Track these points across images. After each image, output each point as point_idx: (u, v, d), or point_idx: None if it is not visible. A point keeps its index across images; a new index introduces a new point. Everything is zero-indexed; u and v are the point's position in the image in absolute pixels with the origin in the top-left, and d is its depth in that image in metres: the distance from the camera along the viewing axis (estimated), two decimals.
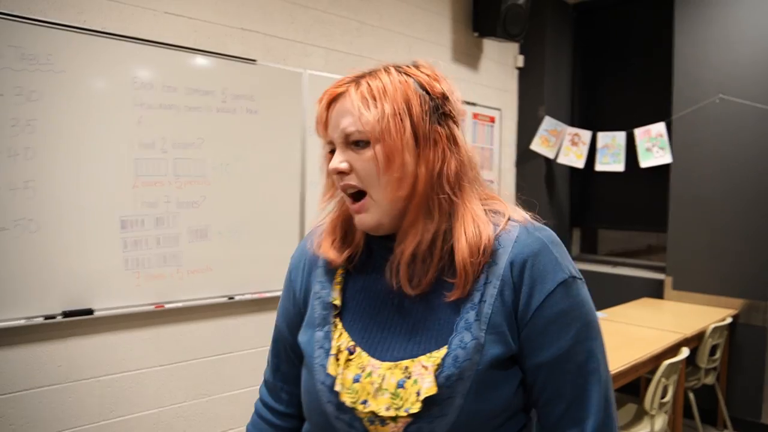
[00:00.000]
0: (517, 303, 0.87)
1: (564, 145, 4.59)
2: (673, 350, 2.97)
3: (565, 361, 0.86)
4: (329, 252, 0.98)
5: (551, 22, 4.81)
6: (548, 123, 4.61)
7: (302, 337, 1.00)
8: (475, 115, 4.41)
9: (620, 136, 4.37)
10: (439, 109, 0.91)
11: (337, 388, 0.89)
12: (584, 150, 4.53)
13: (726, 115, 3.90)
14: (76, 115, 2.49)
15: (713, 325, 3.36)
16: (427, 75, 0.94)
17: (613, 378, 2.22)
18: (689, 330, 3.27)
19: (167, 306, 2.80)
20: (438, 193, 0.89)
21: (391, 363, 0.88)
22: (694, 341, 3.36)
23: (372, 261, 0.98)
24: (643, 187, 4.54)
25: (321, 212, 1.04)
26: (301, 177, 3.30)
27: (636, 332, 3.22)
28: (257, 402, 1.19)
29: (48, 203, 2.43)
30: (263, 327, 3.23)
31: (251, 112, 3.07)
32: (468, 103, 4.36)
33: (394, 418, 0.85)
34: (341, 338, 0.93)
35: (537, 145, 4.61)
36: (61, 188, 2.46)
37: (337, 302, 0.97)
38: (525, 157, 4.84)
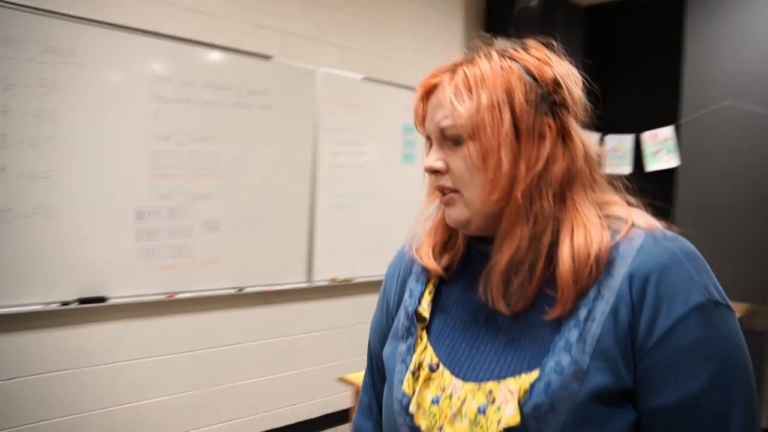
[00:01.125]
0: (635, 326, 0.69)
1: None
2: None
3: (695, 410, 0.66)
4: (426, 258, 0.89)
5: (562, 23, 4.84)
6: None
7: (386, 349, 0.91)
8: None
9: (627, 140, 4.41)
10: (550, 98, 0.78)
11: (412, 408, 0.79)
12: None
13: (735, 120, 3.93)
14: (96, 108, 2.55)
15: None
16: (537, 58, 0.81)
17: None
18: None
19: (178, 296, 2.86)
20: (541, 195, 0.76)
21: (474, 384, 0.76)
22: None
23: (470, 269, 0.87)
24: (649, 191, 4.57)
25: (423, 214, 0.94)
26: (311, 173, 3.36)
27: None
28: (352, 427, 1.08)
29: (67, 192, 2.49)
30: (271, 319, 3.29)
31: (266, 108, 3.13)
32: None
33: None
34: (425, 353, 0.83)
35: None
36: (80, 178, 2.53)
37: (426, 313, 0.86)
38: None
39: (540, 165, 0.75)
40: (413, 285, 0.91)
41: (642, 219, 0.77)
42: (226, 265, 3.03)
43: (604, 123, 4.87)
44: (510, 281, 0.77)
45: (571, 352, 0.69)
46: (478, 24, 4.40)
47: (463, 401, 0.75)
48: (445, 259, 0.88)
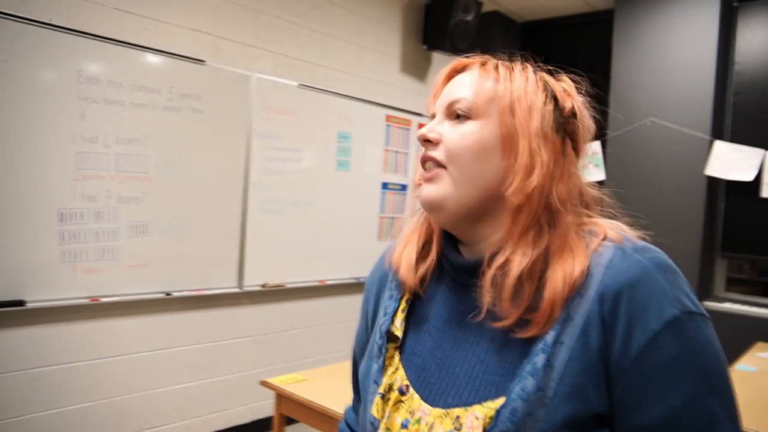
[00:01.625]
0: (609, 347, 0.67)
1: None
2: None
3: (678, 426, 0.65)
4: (405, 270, 0.85)
5: (499, 38, 4.99)
6: None
7: (362, 367, 0.89)
8: (421, 126, 4.53)
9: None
10: (565, 126, 0.79)
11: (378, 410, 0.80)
12: None
13: (656, 137, 4.13)
14: (18, 106, 2.50)
15: None
16: (563, 88, 0.82)
17: None
18: None
19: (103, 300, 2.81)
20: (549, 203, 0.75)
21: (442, 410, 0.74)
22: None
23: (442, 283, 0.85)
24: None
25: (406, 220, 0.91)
26: (244, 178, 3.36)
27: None
28: (341, 423, 1.06)
29: None
30: (200, 324, 3.27)
31: (197, 112, 3.11)
32: (416, 113, 4.49)
33: None
34: (395, 374, 0.81)
35: None
36: (0, 177, 2.47)
37: (399, 332, 0.84)
38: None
39: (551, 173, 0.75)
40: (387, 302, 0.88)
41: (613, 231, 0.75)
42: (154, 269, 2.99)
43: None
44: (519, 290, 0.72)
45: (536, 377, 0.67)
46: (416, 36, 4.49)
47: (431, 427, 0.74)
48: (421, 271, 0.85)
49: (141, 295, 2.95)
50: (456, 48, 4.31)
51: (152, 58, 2.95)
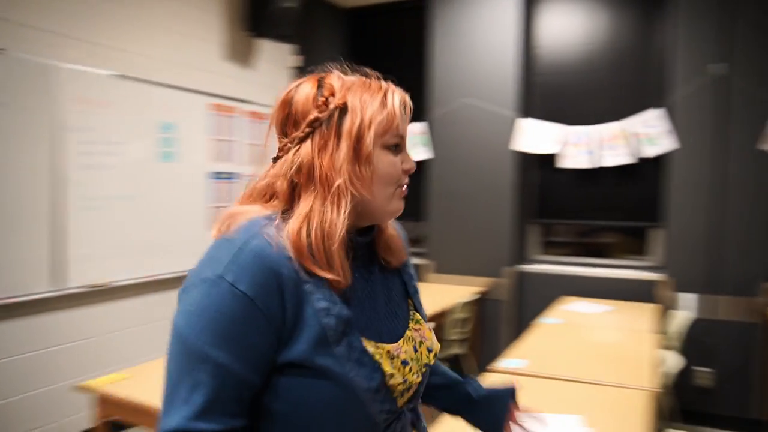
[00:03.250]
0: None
1: None
2: None
3: None
4: (347, 271, 0.92)
5: (324, 24, 5.09)
6: None
7: (322, 360, 0.87)
8: (249, 113, 4.52)
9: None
10: None
11: (398, 379, 0.94)
12: None
13: (472, 116, 4.46)
14: None
15: (459, 301, 3.86)
16: None
17: None
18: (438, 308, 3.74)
19: None
20: None
21: (402, 339, 1.00)
22: (444, 317, 3.83)
23: (350, 259, 0.96)
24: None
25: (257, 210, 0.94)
26: (55, 175, 3.16)
27: None
28: None
29: None
30: (13, 334, 3.05)
31: None
32: (242, 101, 4.46)
33: (419, 380, 1.01)
34: (368, 343, 0.93)
35: None
36: None
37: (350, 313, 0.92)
38: None
39: None
40: (320, 291, 0.89)
41: None
42: None
43: None
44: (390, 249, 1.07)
45: (417, 291, 1.13)
46: (238, 22, 4.44)
47: (407, 352, 0.98)
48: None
49: None
50: (281, 35, 4.34)
51: None
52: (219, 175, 4.28)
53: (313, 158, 0.92)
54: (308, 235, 0.88)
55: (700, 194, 3.92)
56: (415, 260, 4.82)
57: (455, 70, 4.55)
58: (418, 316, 1.07)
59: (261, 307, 0.84)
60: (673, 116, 3.97)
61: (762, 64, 3.73)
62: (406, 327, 1.03)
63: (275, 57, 4.87)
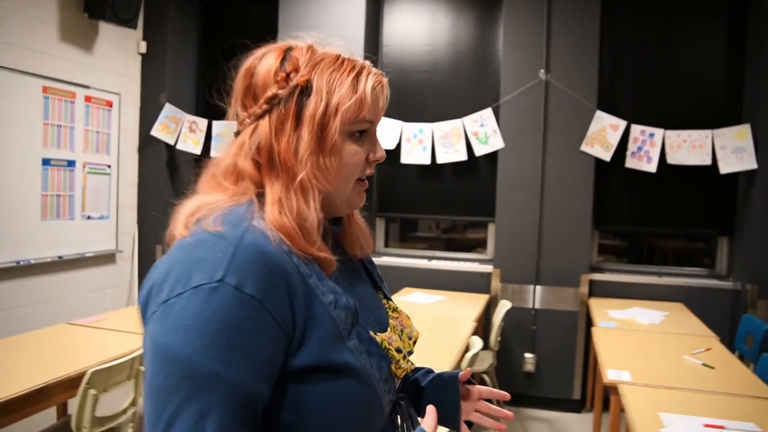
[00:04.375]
0: None
1: (183, 131, 4.81)
2: None
3: None
4: (327, 251, 0.85)
5: (174, 11, 4.96)
6: (168, 110, 4.76)
7: (342, 356, 0.79)
8: (88, 98, 4.34)
9: (232, 125, 4.75)
10: None
11: (401, 367, 0.92)
12: (201, 137, 4.82)
13: None
14: None
15: None
16: None
17: None
18: None
19: None
20: None
21: (389, 328, 0.96)
22: None
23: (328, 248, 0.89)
24: None
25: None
26: None
27: None
28: None
29: None
30: None
31: None
32: (81, 85, 4.27)
33: (412, 367, 0.99)
34: (375, 333, 0.89)
35: (157, 131, 4.74)
36: None
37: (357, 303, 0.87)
38: (147, 143, 4.91)
39: None
40: (322, 283, 0.81)
41: None
42: None
43: (216, 109, 5.14)
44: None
45: (383, 279, 1.09)
46: (77, 3, 4.23)
47: (396, 341, 0.94)
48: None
49: None
50: (120, 18, 4.20)
51: None
52: (54, 163, 4.08)
53: (271, 139, 0.83)
54: (287, 218, 0.80)
55: (523, 192, 4.24)
56: None
57: None
58: (393, 304, 1.03)
59: (271, 310, 0.72)
60: (501, 117, 4.26)
61: (578, 73, 4.10)
62: (387, 316, 0.99)
63: (120, 42, 4.70)
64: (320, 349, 0.76)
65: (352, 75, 0.85)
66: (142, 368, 2.61)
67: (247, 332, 0.70)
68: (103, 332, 2.92)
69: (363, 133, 0.87)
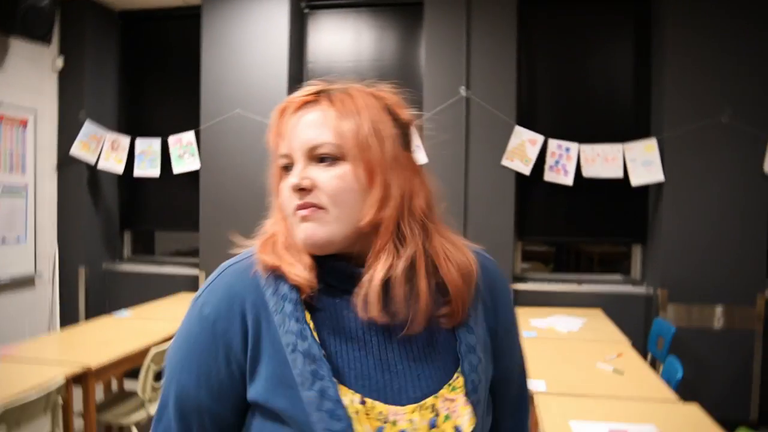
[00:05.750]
0: (491, 322, 0.91)
1: (104, 150, 4.69)
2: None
3: (520, 370, 0.99)
4: (305, 279, 0.80)
5: (92, 26, 4.84)
6: (89, 127, 4.64)
7: (280, 402, 0.77)
8: (0, 117, 4.18)
9: (156, 143, 4.69)
10: (406, 136, 0.88)
11: None
12: (124, 155, 4.71)
13: (243, 127, 4.52)
14: None
15: None
16: (394, 100, 0.89)
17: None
18: None
19: None
20: (410, 218, 0.83)
21: (414, 405, 0.79)
22: None
23: (329, 292, 0.84)
24: (180, 191, 4.94)
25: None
26: None
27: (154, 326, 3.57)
28: None
29: None
30: None
31: None
32: None
33: None
34: (346, 393, 0.78)
35: (77, 150, 4.60)
36: None
37: (323, 352, 0.79)
38: (67, 162, 4.76)
39: (408, 190, 0.83)
40: (290, 323, 0.79)
41: (463, 240, 0.93)
42: None
43: (138, 126, 5.06)
44: (390, 296, 0.80)
45: (475, 352, 0.85)
46: None
47: (412, 422, 0.78)
48: (314, 276, 0.82)
49: None
50: (31, 34, 4.08)
51: None
52: None
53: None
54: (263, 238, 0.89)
55: (447, 204, 4.32)
56: (191, 271, 4.79)
57: (227, 81, 4.56)
58: (458, 382, 0.83)
59: (220, 332, 0.80)
60: (424, 133, 4.34)
61: (497, 89, 4.24)
62: (431, 392, 0.81)
63: (34, 58, 4.55)
64: (264, 387, 0.78)
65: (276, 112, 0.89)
66: (59, 400, 2.54)
67: (199, 348, 0.81)
68: (17, 365, 2.79)
69: (287, 167, 0.86)
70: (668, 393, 2.48)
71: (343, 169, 0.80)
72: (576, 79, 4.43)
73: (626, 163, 4.08)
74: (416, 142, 0.91)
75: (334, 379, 0.77)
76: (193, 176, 4.69)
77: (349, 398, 0.77)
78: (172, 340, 0.87)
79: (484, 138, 4.29)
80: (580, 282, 4.39)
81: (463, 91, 4.26)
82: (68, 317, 4.77)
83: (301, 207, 0.81)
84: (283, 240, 0.85)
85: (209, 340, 0.80)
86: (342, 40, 4.73)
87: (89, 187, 4.84)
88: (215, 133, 4.58)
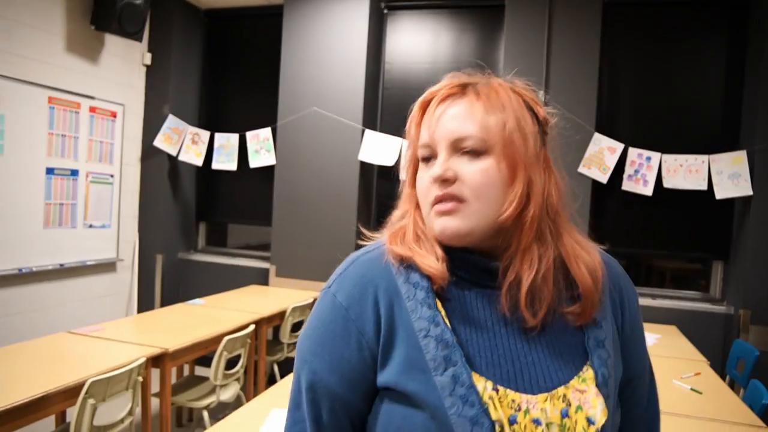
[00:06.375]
0: (617, 322, 0.90)
1: (185, 143, 4.86)
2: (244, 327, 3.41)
3: (647, 372, 0.96)
4: (437, 270, 0.82)
5: (180, 24, 5.03)
6: (171, 121, 4.83)
7: (413, 386, 0.78)
8: (93, 109, 4.40)
9: (234, 138, 4.82)
10: (543, 134, 0.88)
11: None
12: (203, 149, 4.88)
13: (319, 125, 4.59)
14: None
15: (293, 305, 3.96)
16: (532, 97, 0.89)
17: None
18: (269, 311, 3.83)
19: None
20: (547, 216, 0.85)
21: (546, 393, 0.79)
22: (278, 319, 3.92)
23: (464, 284, 0.85)
24: (255, 186, 5.06)
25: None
26: None
27: (226, 315, 3.67)
28: None
29: None
30: None
31: None
32: (86, 96, 4.33)
33: None
34: (479, 379, 0.78)
35: (160, 142, 4.79)
36: None
37: (455, 338, 0.80)
38: (150, 154, 4.97)
39: (546, 188, 0.84)
40: (422, 309, 0.81)
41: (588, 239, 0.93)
42: None
43: (217, 121, 5.22)
44: (534, 295, 0.82)
45: (604, 347, 0.84)
46: (83, 15, 4.30)
47: (545, 411, 0.77)
48: (446, 269, 0.83)
49: None
50: (125, 31, 4.27)
51: None
52: (58, 172, 4.13)
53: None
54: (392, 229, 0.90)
55: None
56: (262, 264, 4.91)
57: (305, 79, 4.66)
58: (588, 374, 0.82)
59: (354, 318, 0.82)
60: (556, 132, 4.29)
61: (577, 95, 4.14)
62: (561, 382, 0.81)
63: (125, 54, 4.77)
64: (397, 371, 0.79)
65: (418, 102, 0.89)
66: (139, 378, 2.65)
67: (333, 335, 0.82)
68: (103, 342, 2.95)
69: (427, 159, 0.86)
70: (753, 417, 2.36)
71: (487, 163, 0.80)
72: (660, 86, 4.27)
73: (711, 176, 3.92)
74: (551, 135, 0.91)
75: (467, 365, 0.78)
76: (268, 172, 4.80)
77: (482, 385, 0.77)
78: (302, 329, 0.88)
79: (561, 144, 4.19)
80: (654, 297, 4.24)
81: (542, 95, 4.17)
82: (145, 302, 4.99)
83: (442, 197, 0.81)
84: (413, 231, 0.87)
85: (342, 326, 0.82)
86: (420, 41, 4.73)
87: (169, 178, 5.04)
88: (291, 130, 4.68)
